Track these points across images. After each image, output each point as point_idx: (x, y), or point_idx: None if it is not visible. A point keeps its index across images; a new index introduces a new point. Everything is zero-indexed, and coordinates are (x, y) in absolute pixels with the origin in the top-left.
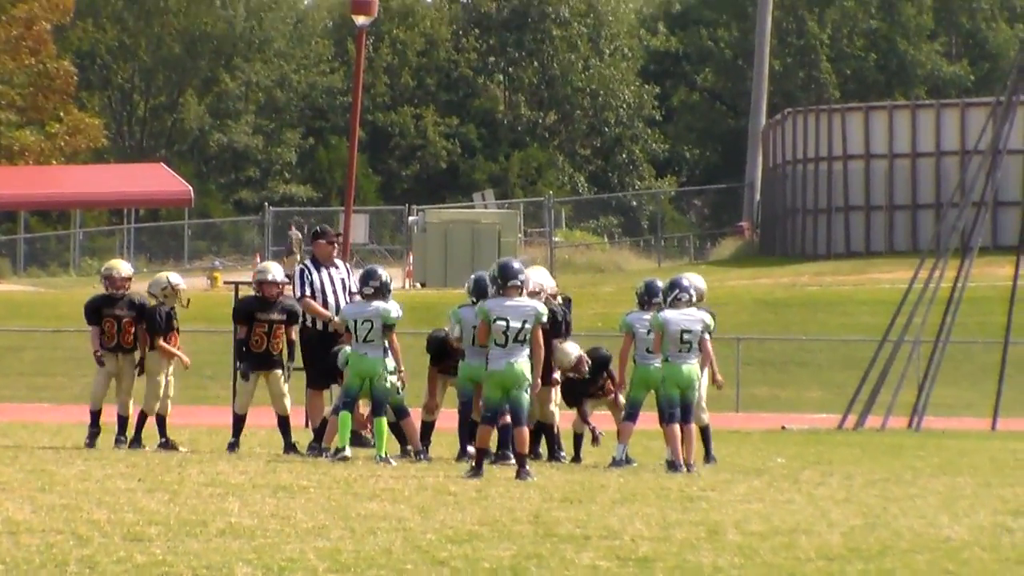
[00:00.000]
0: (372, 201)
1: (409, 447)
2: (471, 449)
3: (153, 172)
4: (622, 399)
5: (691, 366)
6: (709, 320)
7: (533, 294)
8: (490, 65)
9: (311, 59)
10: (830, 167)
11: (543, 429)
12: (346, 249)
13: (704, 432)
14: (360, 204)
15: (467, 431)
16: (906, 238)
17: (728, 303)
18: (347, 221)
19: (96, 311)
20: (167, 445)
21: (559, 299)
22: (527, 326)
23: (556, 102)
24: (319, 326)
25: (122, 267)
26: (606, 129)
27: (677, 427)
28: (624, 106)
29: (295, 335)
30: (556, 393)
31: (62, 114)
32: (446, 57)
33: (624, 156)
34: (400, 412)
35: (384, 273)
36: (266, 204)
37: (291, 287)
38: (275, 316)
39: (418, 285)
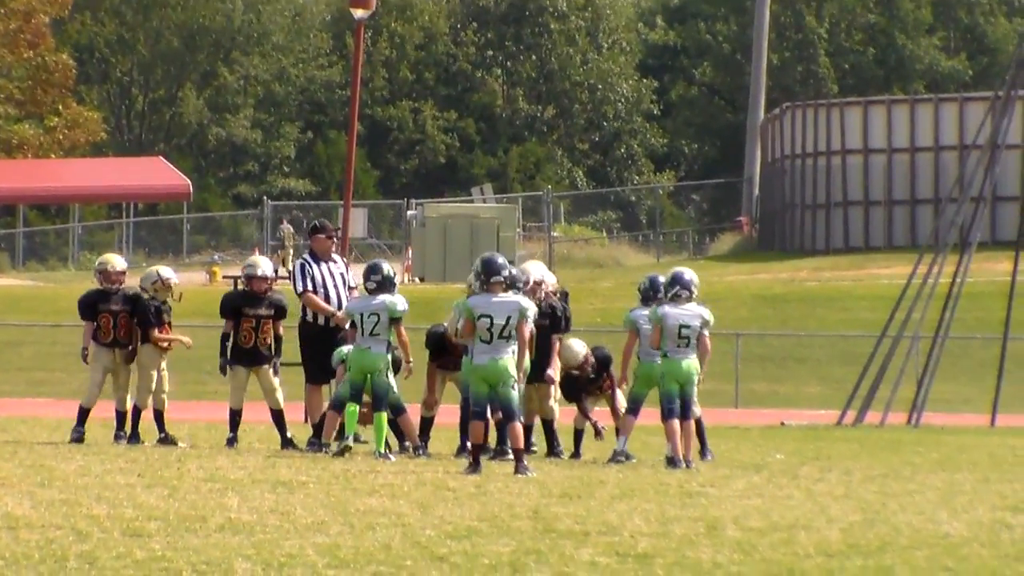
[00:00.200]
0: (371, 195)
1: (407, 443)
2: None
3: (152, 166)
4: (621, 396)
5: (690, 361)
6: (708, 315)
7: (535, 287)
8: (488, 59)
9: (309, 53)
10: (828, 162)
11: (543, 425)
12: (345, 244)
13: (697, 425)
14: (359, 198)
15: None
16: (905, 233)
17: (727, 298)
18: (346, 215)
19: (92, 306)
20: (166, 440)
21: (556, 293)
22: (512, 322)
23: (554, 96)
24: (320, 321)
25: (116, 261)
26: (604, 123)
27: (676, 423)
28: (623, 100)
29: (282, 330)
30: (555, 389)
31: (61, 108)
32: (444, 51)
33: (623, 151)
34: (396, 409)
35: (388, 267)
36: (265, 198)
37: (284, 282)
38: (263, 311)
39: (417, 280)
